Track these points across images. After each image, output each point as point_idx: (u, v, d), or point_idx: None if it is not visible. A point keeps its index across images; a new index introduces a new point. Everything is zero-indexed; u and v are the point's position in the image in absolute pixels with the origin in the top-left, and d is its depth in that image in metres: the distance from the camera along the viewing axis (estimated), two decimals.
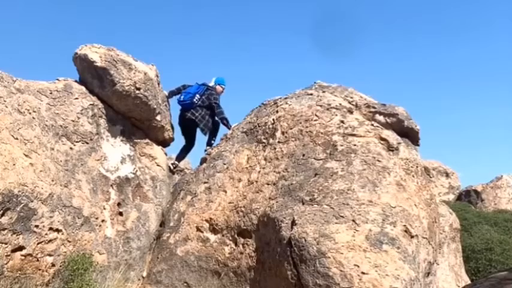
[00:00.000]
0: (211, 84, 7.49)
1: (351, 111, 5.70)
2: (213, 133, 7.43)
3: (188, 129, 7.44)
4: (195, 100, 7.20)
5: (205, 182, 6.10)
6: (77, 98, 6.00)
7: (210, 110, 7.26)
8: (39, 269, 4.84)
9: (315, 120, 5.66)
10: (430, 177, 16.35)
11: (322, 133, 5.47)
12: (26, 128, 5.19)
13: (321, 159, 5.22)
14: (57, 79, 6.13)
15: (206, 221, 5.70)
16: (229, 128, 6.92)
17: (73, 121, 5.81)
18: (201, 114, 7.20)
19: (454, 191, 17.57)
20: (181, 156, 7.61)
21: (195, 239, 5.66)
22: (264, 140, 5.96)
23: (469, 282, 7.41)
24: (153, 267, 5.82)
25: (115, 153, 6.22)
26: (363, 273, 4.00)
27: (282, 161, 5.52)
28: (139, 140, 6.64)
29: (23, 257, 4.68)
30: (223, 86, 7.66)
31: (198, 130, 7.35)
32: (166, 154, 7.13)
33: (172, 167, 7.19)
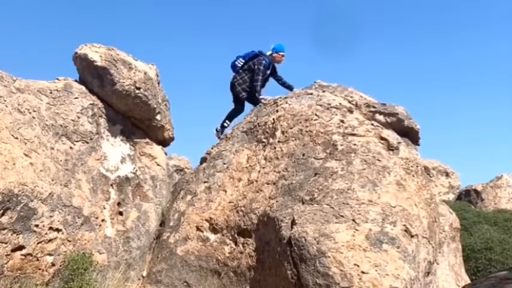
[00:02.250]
0: (269, 52, 7.16)
1: (351, 111, 5.70)
2: (238, 109, 7.21)
3: (233, 94, 7.28)
4: (236, 63, 7.11)
5: (205, 182, 6.10)
6: (77, 98, 6.00)
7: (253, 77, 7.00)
8: (39, 269, 4.84)
9: (315, 119, 5.65)
10: (430, 176, 16.36)
11: (322, 133, 5.47)
12: (26, 127, 5.19)
13: (321, 159, 5.22)
14: (57, 79, 6.13)
15: (206, 220, 5.70)
16: (258, 98, 6.74)
17: (73, 120, 5.81)
18: (242, 79, 7.08)
19: (454, 191, 17.57)
20: (228, 118, 7.34)
21: (195, 238, 5.66)
22: (264, 140, 5.96)
23: (468, 281, 7.42)
24: (153, 266, 5.83)
25: (115, 152, 6.23)
26: (362, 272, 4.00)
27: (282, 161, 5.52)
28: (139, 140, 6.64)
29: (23, 257, 4.68)
30: (281, 54, 7.20)
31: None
32: (166, 154, 7.13)
33: (217, 130, 7.11)
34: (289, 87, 7.18)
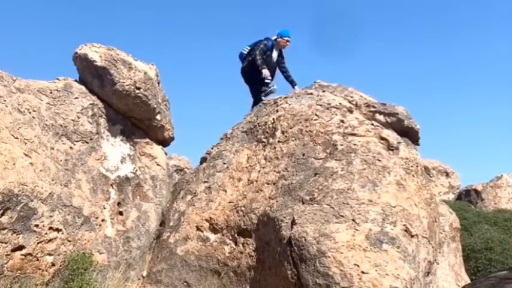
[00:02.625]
0: (274, 37, 7.22)
1: (351, 111, 5.70)
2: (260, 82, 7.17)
3: (248, 77, 7.32)
4: (243, 51, 7.25)
5: (205, 182, 6.10)
6: (77, 98, 6.00)
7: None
8: (39, 269, 4.84)
9: (315, 119, 5.66)
10: (430, 176, 16.35)
11: (322, 132, 5.47)
12: (26, 127, 5.19)
13: (321, 159, 5.22)
14: (57, 78, 6.13)
15: (206, 220, 5.70)
16: (260, 73, 6.84)
17: (73, 120, 5.81)
18: (249, 62, 7.17)
19: (454, 191, 17.57)
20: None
21: (195, 238, 5.66)
22: (264, 140, 5.96)
23: (468, 281, 7.41)
24: (153, 266, 5.83)
25: (115, 152, 6.23)
26: (362, 272, 4.00)
27: (282, 161, 5.52)
28: (139, 140, 6.64)
29: (23, 257, 4.68)
30: (285, 39, 7.23)
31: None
32: (166, 153, 7.12)
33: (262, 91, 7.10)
34: (292, 83, 7.19)
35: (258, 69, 7.01)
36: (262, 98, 6.96)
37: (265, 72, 6.86)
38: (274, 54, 7.22)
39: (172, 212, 6.18)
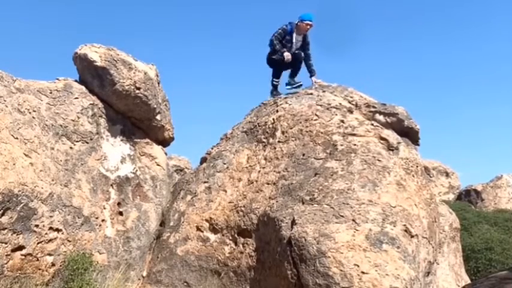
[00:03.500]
0: (296, 21, 7.04)
1: (351, 111, 5.70)
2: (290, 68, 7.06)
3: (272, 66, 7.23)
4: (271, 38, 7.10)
5: (205, 182, 6.11)
6: (77, 98, 6.00)
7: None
8: (39, 269, 4.84)
9: (315, 119, 5.66)
10: (430, 176, 16.36)
11: (322, 133, 5.47)
12: (26, 127, 5.19)
13: (321, 159, 5.22)
14: (57, 79, 6.13)
15: (206, 220, 5.70)
16: (279, 55, 6.75)
17: (73, 121, 5.81)
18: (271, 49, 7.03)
19: (454, 191, 17.58)
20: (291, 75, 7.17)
21: (195, 238, 5.67)
22: (264, 140, 5.96)
23: (469, 281, 7.41)
24: (153, 266, 5.83)
25: (115, 152, 6.22)
26: (362, 272, 4.00)
27: (282, 161, 5.52)
28: (139, 140, 6.64)
29: (23, 257, 4.68)
30: (306, 22, 6.98)
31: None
32: (166, 154, 7.12)
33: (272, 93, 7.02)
34: (311, 72, 6.97)
35: (275, 59, 6.89)
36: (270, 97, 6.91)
37: (287, 54, 6.68)
38: (296, 39, 6.99)
39: (172, 212, 6.18)
